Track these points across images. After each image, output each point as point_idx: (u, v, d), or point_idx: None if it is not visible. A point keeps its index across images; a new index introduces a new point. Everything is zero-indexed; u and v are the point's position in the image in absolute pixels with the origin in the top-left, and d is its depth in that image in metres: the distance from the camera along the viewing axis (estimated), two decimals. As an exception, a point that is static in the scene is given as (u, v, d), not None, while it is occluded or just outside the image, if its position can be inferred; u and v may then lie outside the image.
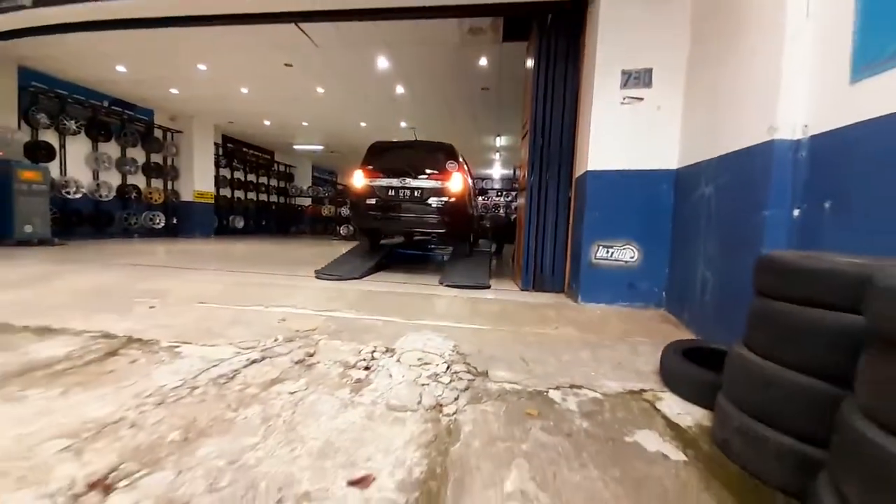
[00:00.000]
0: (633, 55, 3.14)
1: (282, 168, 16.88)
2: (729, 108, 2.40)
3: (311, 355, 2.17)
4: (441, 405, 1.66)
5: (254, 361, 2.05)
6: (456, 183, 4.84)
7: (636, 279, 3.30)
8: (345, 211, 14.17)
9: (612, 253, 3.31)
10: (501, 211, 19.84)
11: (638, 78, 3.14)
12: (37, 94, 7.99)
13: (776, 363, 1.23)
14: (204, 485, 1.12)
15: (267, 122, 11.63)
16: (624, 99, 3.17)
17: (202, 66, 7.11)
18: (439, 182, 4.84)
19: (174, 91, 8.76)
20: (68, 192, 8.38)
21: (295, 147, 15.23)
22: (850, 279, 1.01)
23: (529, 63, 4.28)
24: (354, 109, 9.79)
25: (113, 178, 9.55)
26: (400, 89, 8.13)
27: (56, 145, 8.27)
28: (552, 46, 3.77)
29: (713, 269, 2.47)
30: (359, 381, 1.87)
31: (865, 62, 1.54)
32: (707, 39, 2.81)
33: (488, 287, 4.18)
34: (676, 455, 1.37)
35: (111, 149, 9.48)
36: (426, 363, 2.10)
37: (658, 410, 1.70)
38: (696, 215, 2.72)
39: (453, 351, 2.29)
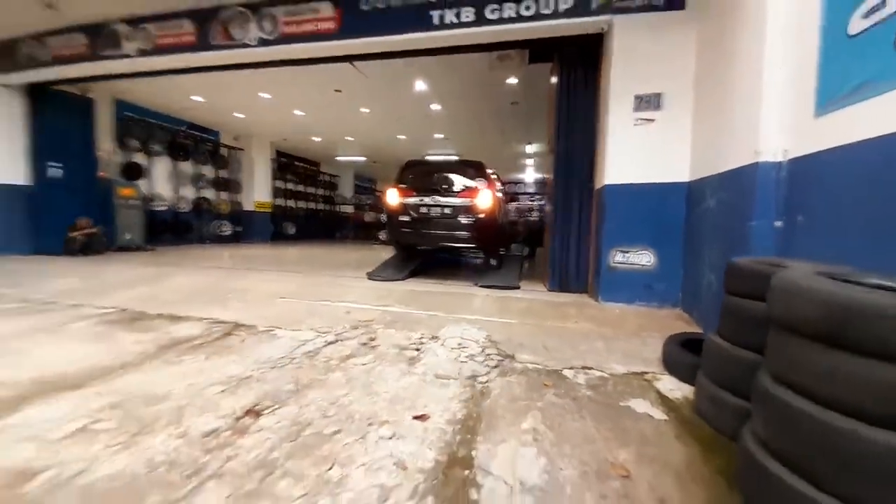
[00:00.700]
0: (643, 81, 3.47)
1: (327, 178, 18.01)
2: (725, 132, 2.69)
3: (373, 339, 2.69)
4: (476, 376, 2.11)
5: (330, 342, 2.60)
6: (484, 200, 4.99)
7: (653, 281, 3.59)
8: (384, 217, 14.95)
9: (629, 257, 3.62)
10: (535, 214, 19.98)
11: (649, 101, 3.46)
12: (129, 122, 9.25)
13: (733, 344, 1.59)
14: (318, 414, 1.64)
15: (316, 139, 12.62)
16: (636, 120, 3.50)
17: (264, 95, 8.02)
18: (468, 199, 5.00)
19: (239, 115, 9.83)
20: (154, 205, 9.62)
21: (339, 158, 16.24)
22: (767, 278, 1.36)
23: (553, 80, 4.62)
24: (394, 125, 10.48)
25: (188, 192, 10.79)
26: (435, 107, 8.69)
27: (145, 165, 9.53)
28: (572, 74, 4.14)
29: (716, 272, 2.76)
30: (412, 358, 2.36)
31: (825, 101, 1.84)
32: (708, 68, 3.10)
33: (518, 288, 4.59)
34: (660, 416, 1.75)
35: (187, 166, 10.73)
36: (464, 347, 2.56)
37: (654, 387, 2.06)
38: (703, 224, 3.01)
39: (486, 339, 2.73)
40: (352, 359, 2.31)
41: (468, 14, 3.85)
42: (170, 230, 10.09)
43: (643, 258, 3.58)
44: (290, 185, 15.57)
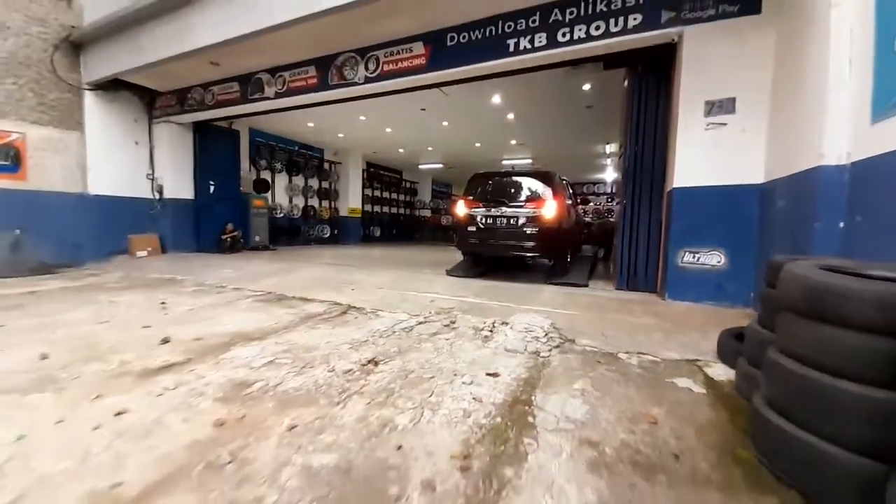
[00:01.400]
0: (715, 87, 3.49)
1: (408, 184, 19.37)
2: (795, 135, 2.70)
3: (454, 322, 3.24)
4: (539, 352, 2.53)
5: (420, 322, 3.21)
6: (549, 210, 5.02)
7: (724, 281, 3.59)
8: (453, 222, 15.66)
9: (699, 258, 3.66)
10: (614, 215, 19.09)
11: (721, 106, 3.48)
12: (259, 146, 11.25)
13: (765, 329, 1.80)
14: (417, 366, 2.22)
15: (401, 150, 13.81)
16: (707, 125, 3.53)
17: (362, 117, 9.21)
18: (533, 210, 5.06)
19: (340, 135, 11.31)
20: (275, 213, 11.54)
21: (419, 167, 17.42)
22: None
23: (626, 84, 4.72)
24: (471, 134, 11.10)
25: (298, 202, 12.67)
26: (510, 116, 9.08)
27: (269, 180, 11.48)
28: (643, 80, 4.26)
29: (785, 272, 2.78)
30: (486, 337, 2.85)
31: (879, 109, 1.90)
32: (784, 71, 3.07)
33: (586, 286, 4.80)
34: (699, 390, 2.00)
35: (299, 180, 12.61)
36: (530, 331, 2.98)
37: (702, 371, 2.27)
38: (774, 225, 3.00)
39: (550, 326, 3.11)
40: (438, 335, 2.88)
41: (541, 39, 4.22)
42: (285, 233, 11.98)
43: (713, 258, 3.60)
44: (376, 193, 17.15)
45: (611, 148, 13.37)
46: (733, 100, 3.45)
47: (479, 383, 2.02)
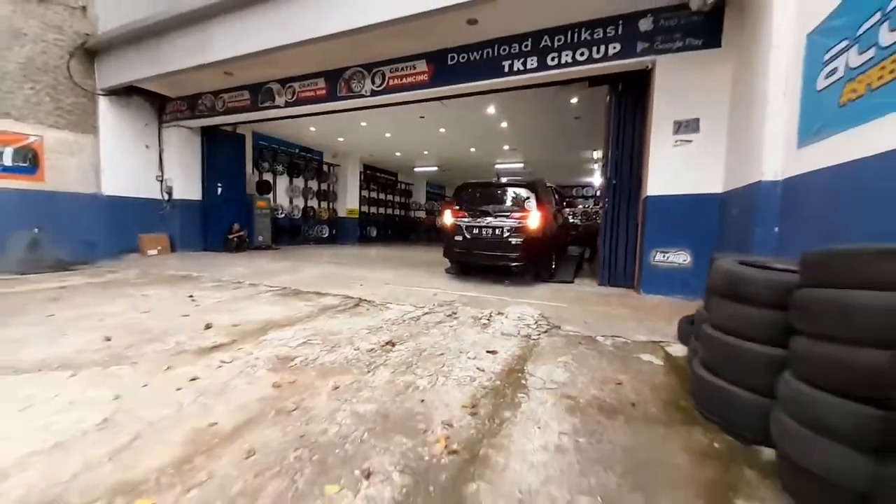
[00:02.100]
0: (683, 109, 3.97)
1: (403, 186, 19.72)
2: (745, 153, 3.17)
3: (455, 313, 3.64)
4: (530, 336, 2.95)
5: (426, 313, 3.60)
6: (534, 220, 5.00)
7: (689, 277, 4.06)
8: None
9: (668, 257, 4.13)
10: (600, 218, 19.68)
11: (688, 126, 3.95)
12: (262, 148, 11.51)
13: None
14: (428, 346, 2.62)
15: (398, 153, 14.17)
16: (676, 142, 4.00)
17: (364, 123, 9.57)
18: (518, 221, 5.02)
19: (340, 139, 11.63)
20: (277, 213, 11.81)
21: (415, 169, 17.79)
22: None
23: (608, 101, 5.15)
24: (466, 140, 11.52)
25: (299, 203, 12.94)
26: (504, 124, 9.53)
27: (271, 182, 11.75)
28: (623, 100, 4.72)
29: (736, 269, 3.24)
30: (484, 324, 3.26)
31: (802, 137, 2.36)
32: (738, 98, 3.54)
33: (571, 282, 5.25)
34: (659, 363, 2.43)
35: (299, 181, 12.89)
36: (522, 319, 3.40)
37: (664, 349, 2.71)
38: (729, 228, 3.47)
39: (539, 315, 3.53)
40: (442, 323, 3.29)
41: (532, 62, 4.66)
42: (287, 233, 12.25)
43: (680, 257, 4.07)
44: (373, 194, 17.47)
45: (597, 154, 13.93)
46: (697, 120, 3.92)
47: (481, 358, 2.42)
